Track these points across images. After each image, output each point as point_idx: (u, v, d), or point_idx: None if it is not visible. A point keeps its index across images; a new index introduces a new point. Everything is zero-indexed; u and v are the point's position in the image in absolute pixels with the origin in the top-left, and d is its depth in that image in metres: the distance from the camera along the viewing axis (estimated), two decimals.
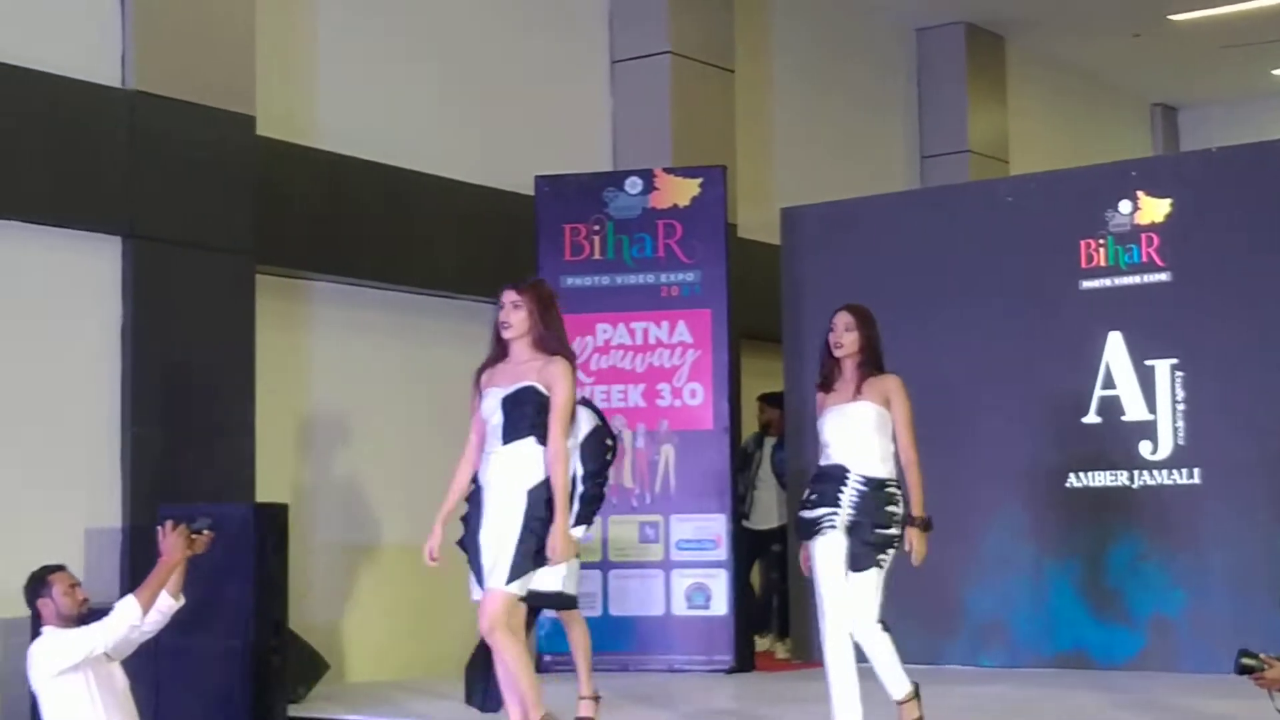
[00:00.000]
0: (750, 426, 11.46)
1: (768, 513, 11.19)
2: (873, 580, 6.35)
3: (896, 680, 6.43)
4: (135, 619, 6.15)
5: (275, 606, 7.92)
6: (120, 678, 6.32)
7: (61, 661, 6.09)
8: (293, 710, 8.15)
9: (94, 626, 6.17)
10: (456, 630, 10.48)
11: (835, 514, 6.38)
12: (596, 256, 10.39)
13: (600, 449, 7.23)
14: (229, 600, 7.70)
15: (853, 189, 11.99)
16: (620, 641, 10.00)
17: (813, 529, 6.43)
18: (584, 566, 9.99)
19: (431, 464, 9.99)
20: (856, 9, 14.71)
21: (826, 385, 6.63)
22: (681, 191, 10.42)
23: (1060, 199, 10.18)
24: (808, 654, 10.04)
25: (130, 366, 8.81)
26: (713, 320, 10.28)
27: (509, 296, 6.14)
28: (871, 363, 6.55)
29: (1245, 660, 5.24)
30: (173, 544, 6.17)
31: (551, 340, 6.09)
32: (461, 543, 6.19)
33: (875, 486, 6.40)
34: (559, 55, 12.01)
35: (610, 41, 12.37)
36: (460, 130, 11.12)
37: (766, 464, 11.22)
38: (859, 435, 6.47)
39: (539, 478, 5.96)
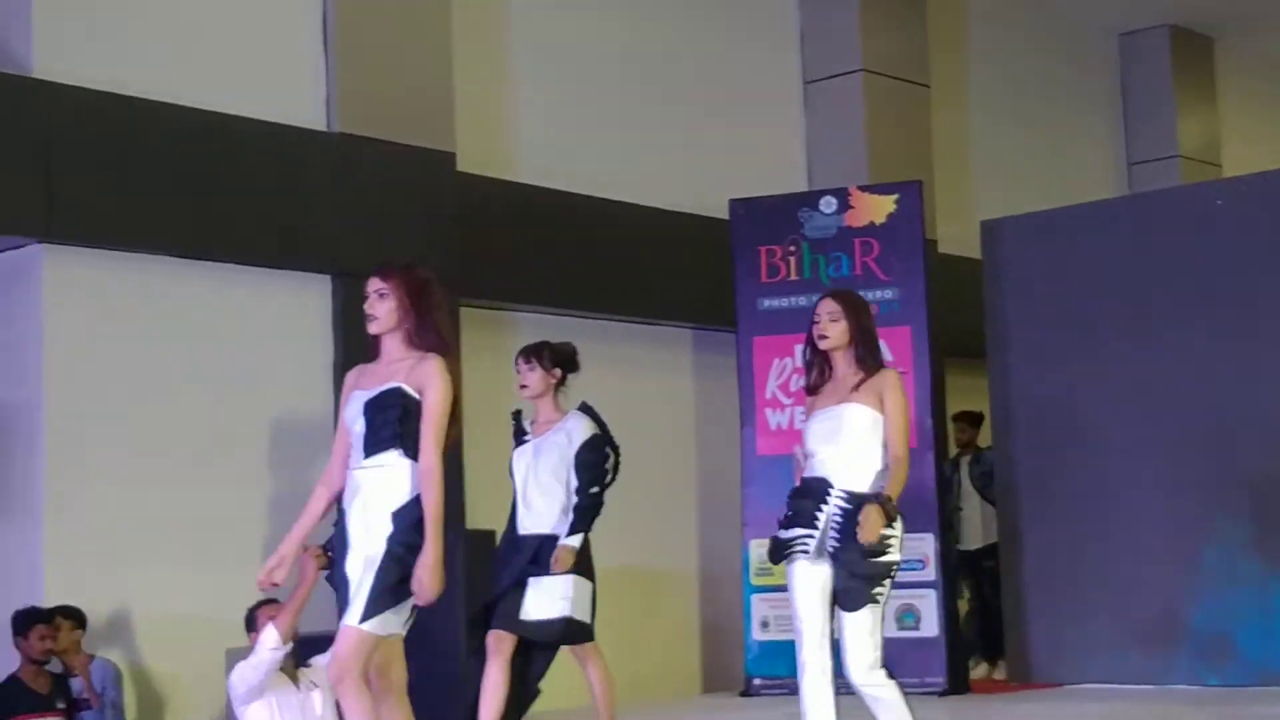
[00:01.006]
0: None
1: (974, 531, 11.22)
2: (869, 621, 5.31)
3: None
4: (274, 643, 6.24)
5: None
6: (317, 706, 6.43)
7: (236, 692, 6.35)
8: None
9: (245, 661, 6.36)
10: (662, 653, 10.75)
11: (810, 537, 5.40)
12: (792, 277, 10.48)
13: (598, 458, 6.46)
14: (440, 626, 7.92)
15: (1057, 199, 11.88)
16: None
17: (782, 553, 5.51)
18: (786, 590, 10.16)
19: (629, 484, 10.25)
20: (1056, 17, 14.64)
21: (814, 387, 5.72)
22: (877, 209, 10.45)
23: (1275, 201, 9.93)
24: (1027, 675, 10.03)
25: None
26: (913, 337, 10.28)
27: (373, 284, 5.22)
28: (867, 357, 5.57)
29: None
30: (305, 565, 5.89)
31: (427, 335, 5.11)
32: (329, 578, 5.29)
33: (858, 502, 5.34)
34: (751, 78, 12.17)
35: (802, 62, 12.51)
36: (654, 157, 11.31)
37: (967, 482, 11.21)
38: (847, 443, 5.44)
39: (406, 496, 4.93)
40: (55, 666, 7.81)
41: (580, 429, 6.40)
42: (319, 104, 9.39)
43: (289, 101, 9.22)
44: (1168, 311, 9.98)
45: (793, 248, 10.51)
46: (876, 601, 5.29)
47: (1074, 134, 15.00)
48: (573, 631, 6.38)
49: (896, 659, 9.78)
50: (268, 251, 8.98)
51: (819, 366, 5.69)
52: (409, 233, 9.42)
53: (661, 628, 10.74)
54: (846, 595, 5.30)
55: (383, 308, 5.12)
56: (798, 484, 5.65)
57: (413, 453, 4.96)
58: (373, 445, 4.98)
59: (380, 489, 4.95)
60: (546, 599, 6.08)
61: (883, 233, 10.38)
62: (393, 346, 5.14)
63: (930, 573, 10.09)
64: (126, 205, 8.47)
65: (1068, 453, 10.11)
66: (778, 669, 10.12)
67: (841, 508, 5.34)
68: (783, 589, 9.96)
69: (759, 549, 10.24)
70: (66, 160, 8.26)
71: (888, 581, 5.32)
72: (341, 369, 9.00)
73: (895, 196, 10.46)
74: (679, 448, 11.20)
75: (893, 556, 5.32)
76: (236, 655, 7.75)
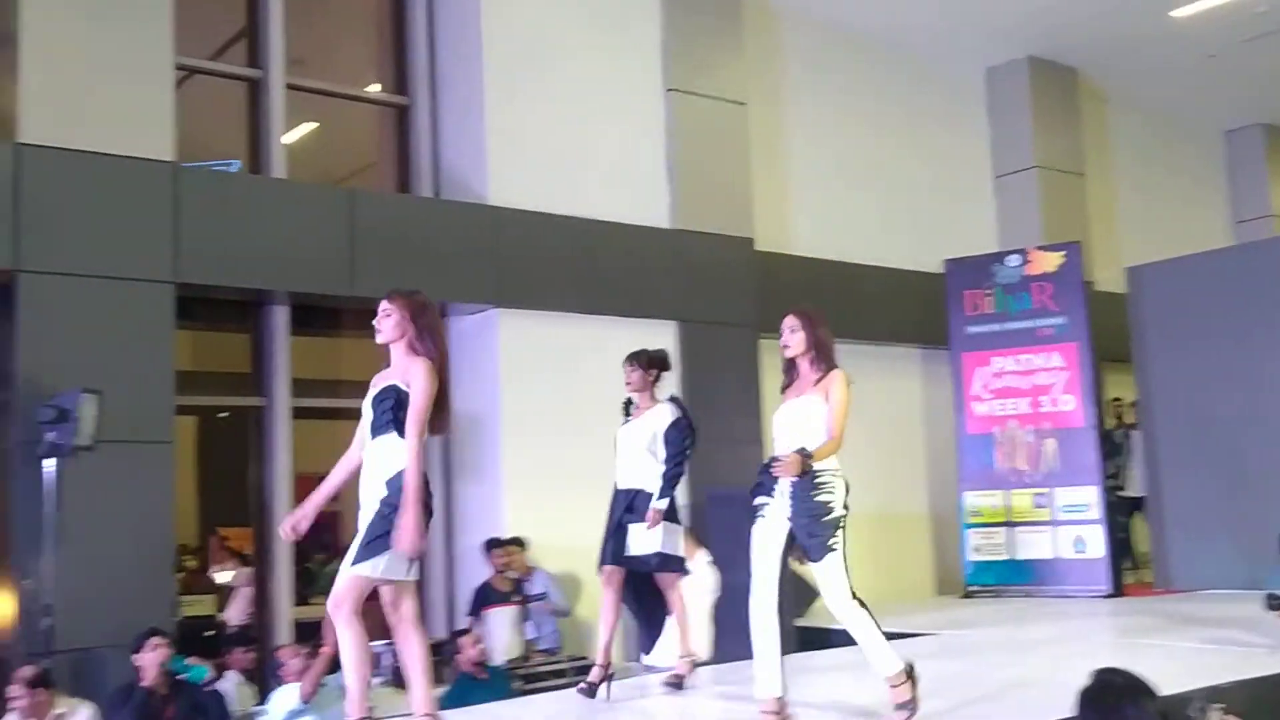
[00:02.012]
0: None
1: (1135, 483, 10.86)
2: (834, 563, 4.58)
3: (884, 658, 4.66)
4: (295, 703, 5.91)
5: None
6: None
7: None
8: (797, 622, 8.10)
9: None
10: (906, 569, 10.72)
11: (768, 503, 4.65)
12: (988, 311, 10.35)
13: (680, 436, 5.57)
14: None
15: (1181, 249, 11.32)
16: (1023, 577, 9.92)
17: (754, 514, 4.76)
18: (993, 525, 10.09)
19: (880, 455, 10.28)
20: (1177, 115, 13.89)
21: (784, 386, 5.00)
22: (1049, 261, 10.24)
23: None
24: (1168, 582, 9.69)
25: (685, 421, 9.19)
26: (1079, 350, 10.05)
27: (382, 306, 4.49)
28: (822, 360, 4.86)
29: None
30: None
31: (423, 344, 4.41)
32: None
33: (807, 476, 4.60)
34: (957, 173, 11.94)
35: (992, 161, 12.23)
36: (891, 230, 11.18)
37: (1138, 449, 10.78)
38: (797, 427, 4.75)
39: (399, 467, 4.26)
40: (512, 574, 8.02)
41: (667, 415, 5.60)
42: (664, 208, 9.47)
43: (646, 208, 9.37)
44: (1263, 326, 9.42)
45: (988, 291, 10.38)
46: (834, 550, 4.56)
47: (1192, 201, 14.22)
48: (665, 563, 5.49)
49: (1070, 574, 9.76)
50: (634, 308, 9.03)
51: (788, 370, 4.96)
52: (724, 292, 9.50)
53: (904, 552, 10.70)
54: (809, 550, 4.58)
55: (387, 323, 4.43)
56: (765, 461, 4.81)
57: (404, 433, 4.30)
58: (376, 429, 4.35)
59: (379, 461, 4.31)
60: (643, 539, 5.37)
61: (1054, 278, 10.17)
62: (396, 355, 4.45)
63: (1095, 513, 9.82)
64: (546, 281, 8.72)
65: (1193, 426, 9.68)
66: (986, 579, 10.05)
67: (791, 480, 4.58)
68: (988, 525, 10.03)
69: (972, 498, 10.20)
70: (509, 256, 8.56)
71: (839, 532, 4.57)
72: (687, 391, 9.01)
73: (1063, 253, 10.26)
74: (911, 429, 11.12)
75: (836, 513, 4.60)
76: None
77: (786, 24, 10.94)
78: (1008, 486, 10.12)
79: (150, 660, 5.81)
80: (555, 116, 9.06)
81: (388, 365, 4.49)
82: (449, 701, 6.44)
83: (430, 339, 4.41)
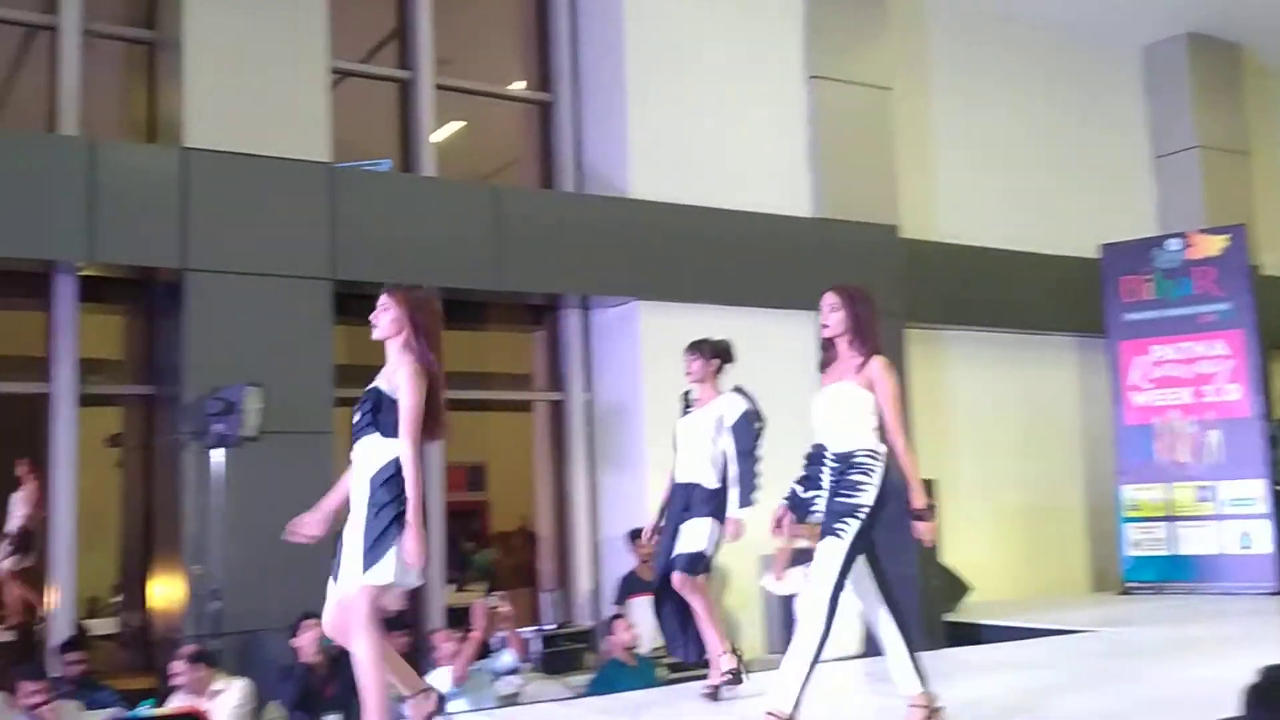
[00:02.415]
0: None
1: None
2: (833, 549, 4.12)
3: (795, 681, 4.09)
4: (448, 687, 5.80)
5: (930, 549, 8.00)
6: None
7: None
8: (946, 618, 8.16)
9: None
10: (1061, 564, 10.41)
11: (820, 497, 4.31)
12: (1147, 298, 9.98)
13: (750, 428, 5.18)
14: (902, 541, 7.94)
15: None
16: (1185, 574, 9.53)
17: (807, 510, 4.37)
18: (1153, 520, 9.71)
19: (1034, 448, 10.02)
20: None
21: (822, 366, 4.59)
22: (1212, 245, 9.82)
23: None
24: None
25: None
26: (1244, 337, 9.62)
27: (381, 299, 4.20)
28: (862, 343, 4.43)
29: None
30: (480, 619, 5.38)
31: (416, 343, 4.12)
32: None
33: (843, 460, 4.27)
34: (1114, 155, 11.55)
35: (1151, 142, 11.78)
36: (1042, 216, 10.87)
37: None
38: (834, 413, 4.37)
39: (379, 464, 4.00)
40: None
41: (735, 406, 5.20)
42: (807, 197, 9.40)
43: (788, 198, 9.31)
44: None
45: (1147, 276, 10.01)
46: (839, 536, 4.11)
47: None
48: (694, 564, 5.08)
49: (1235, 570, 9.32)
50: (775, 299, 8.95)
51: (825, 349, 4.54)
52: (868, 281, 9.03)
53: (1059, 546, 10.41)
54: (824, 523, 4.21)
55: (383, 319, 4.15)
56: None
57: (389, 433, 4.02)
58: (356, 432, 4.10)
59: (363, 463, 4.05)
60: (690, 538, 5.00)
61: (1218, 262, 9.77)
62: (390, 353, 4.17)
63: (1262, 507, 9.38)
64: (687, 273, 8.71)
65: None
66: (1146, 575, 9.69)
67: (832, 467, 4.26)
68: (1147, 519, 9.65)
69: (1130, 491, 9.84)
70: (649, 249, 8.60)
71: (851, 520, 4.14)
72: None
73: (1228, 236, 9.84)
74: (1066, 420, 10.80)
75: (860, 499, 4.18)
76: (768, 559, 8.03)
77: (931, 5, 10.73)
78: (1169, 479, 9.74)
79: (307, 640, 6.04)
80: (696, 108, 9.08)
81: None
82: (596, 685, 6.52)
83: (424, 339, 4.12)
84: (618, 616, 7.15)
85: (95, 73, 7.58)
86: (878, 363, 4.35)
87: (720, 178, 9.05)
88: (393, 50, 8.78)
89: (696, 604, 5.10)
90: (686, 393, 5.41)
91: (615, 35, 8.95)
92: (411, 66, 8.66)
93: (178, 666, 5.82)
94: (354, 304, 7.85)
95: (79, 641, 6.68)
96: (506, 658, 6.41)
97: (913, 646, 4.29)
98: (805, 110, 9.54)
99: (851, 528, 4.12)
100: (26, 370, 7.32)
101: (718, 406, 5.25)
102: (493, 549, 11.04)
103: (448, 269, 7.94)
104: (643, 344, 8.61)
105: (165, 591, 7.22)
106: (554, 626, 8.01)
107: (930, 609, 7.88)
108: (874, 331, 4.43)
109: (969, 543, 9.78)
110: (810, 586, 4.13)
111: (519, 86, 9.47)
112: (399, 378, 4.03)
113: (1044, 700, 4.55)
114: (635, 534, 8.10)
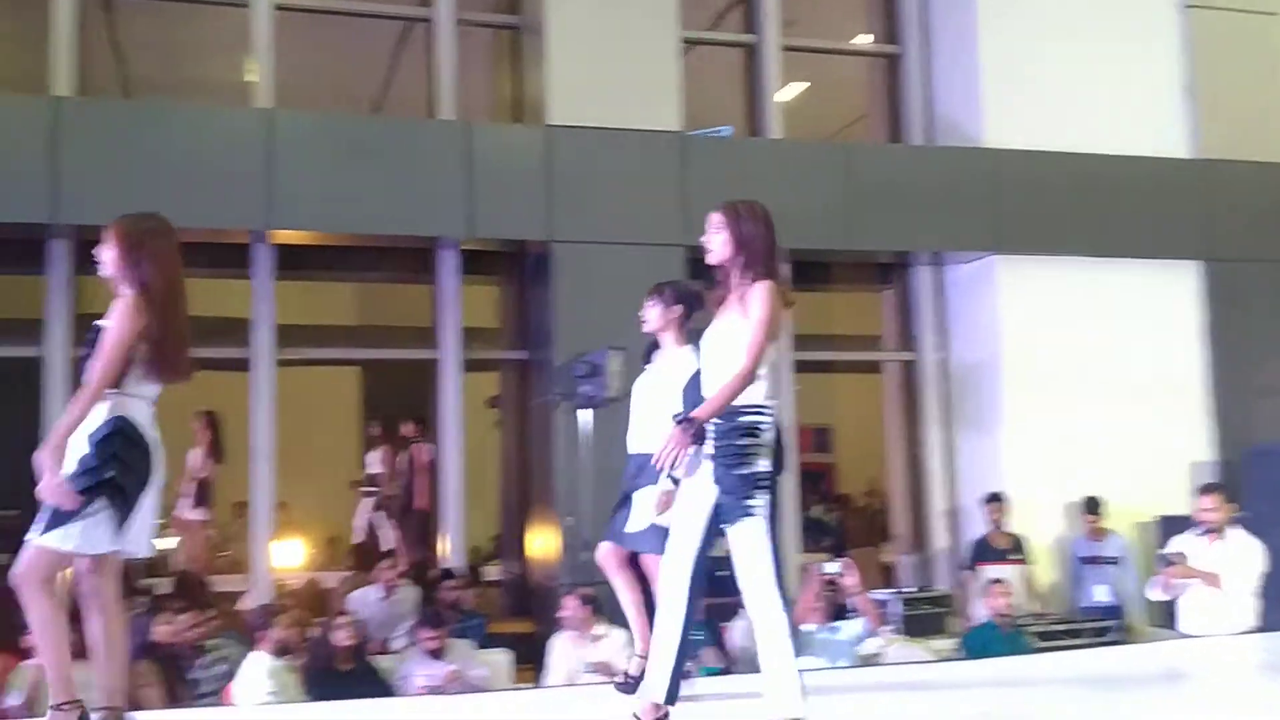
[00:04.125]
0: None
1: None
2: (752, 532, 3.37)
3: (784, 689, 3.37)
4: None
5: None
6: None
7: None
8: None
9: None
10: None
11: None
12: None
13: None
14: None
15: None
16: None
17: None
18: None
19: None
20: None
21: (714, 302, 3.63)
22: None
23: None
24: None
25: (1212, 359, 8.53)
26: None
27: (103, 235, 3.55)
28: (750, 267, 3.51)
29: None
30: None
31: (134, 272, 3.45)
32: None
33: (727, 418, 3.40)
34: None
35: None
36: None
37: None
38: (719, 359, 3.48)
39: (97, 423, 3.37)
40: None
41: (689, 365, 3.92)
42: (1182, 136, 8.78)
43: (1160, 138, 8.73)
44: None
45: None
46: (752, 514, 3.36)
47: None
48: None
49: None
50: (1148, 249, 8.54)
51: (718, 285, 3.63)
52: (1259, 225, 8.66)
53: None
54: (726, 513, 3.42)
55: (107, 256, 3.51)
56: None
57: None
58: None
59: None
60: (644, 515, 4.08)
61: None
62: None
63: None
64: (1048, 224, 8.35)
65: None
66: None
67: (715, 425, 3.42)
68: None
69: None
70: (1007, 200, 8.31)
71: (758, 494, 3.37)
72: (1214, 339, 8.51)
73: None
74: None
75: (757, 467, 3.39)
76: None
77: None
78: None
79: None
80: (1054, 46, 8.65)
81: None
82: (969, 644, 6.46)
83: (145, 265, 3.45)
84: (997, 581, 6.95)
85: (466, 59, 8.16)
86: (760, 286, 3.46)
87: (1083, 119, 8.61)
88: (737, 15, 8.86)
89: (639, 591, 4.25)
90: (651, 345, 4.43)
91: None
92: (756, 30, 8.73)
93: (570, 604, 6.20)
94: (704, 269, 8.02)
95: (455, 574, 7.34)
96: (856, 626, 6.29)
97: (685, 652, 3.48)
98: (1178, 41, 8.89)
99: (763, 501, 3.39)
100: (420, 339, 8.01)
101: (674, 364, 4.20)
102: (840, 511, 11.05)
103: (796, 229, 7.83)
104: (1000, 301, 8.39)
105: (541, 542, 7.73)
106: (914, 589, 7.92)
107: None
108: (767, 254, 3.54)
109: None
110: (750, 588, 3.40)
111: (865, 41, 9.32)
112: (112, 311, 3.43)
113: None
114: (993, 497, 7.92)
